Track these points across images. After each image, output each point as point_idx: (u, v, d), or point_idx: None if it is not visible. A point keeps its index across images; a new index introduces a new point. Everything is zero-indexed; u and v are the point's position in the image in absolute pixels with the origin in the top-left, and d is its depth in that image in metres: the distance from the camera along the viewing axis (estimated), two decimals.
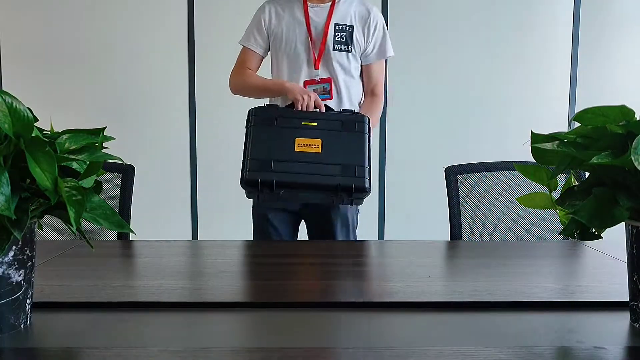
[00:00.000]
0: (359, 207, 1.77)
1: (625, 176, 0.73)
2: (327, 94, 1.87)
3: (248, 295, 0.91)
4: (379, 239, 3.01)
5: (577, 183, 0.82)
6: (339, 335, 0.75)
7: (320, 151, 1.56)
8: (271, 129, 1.62)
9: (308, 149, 1.58)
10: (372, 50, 1.94)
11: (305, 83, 1.87)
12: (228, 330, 0.77)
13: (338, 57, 1.89)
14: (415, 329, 0.78)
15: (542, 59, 3.06)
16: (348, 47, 1.91)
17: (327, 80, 1.90)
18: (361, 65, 1.96)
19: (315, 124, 1.63)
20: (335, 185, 1.53)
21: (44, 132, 0.76)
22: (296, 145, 1.58)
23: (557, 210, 0.84)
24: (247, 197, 1.60)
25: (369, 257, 1.34)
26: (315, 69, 1.91)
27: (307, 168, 1.55)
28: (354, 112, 1.73)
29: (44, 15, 2.98)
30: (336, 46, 1.90)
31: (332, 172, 1.54)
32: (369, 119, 1.67)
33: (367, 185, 1.56)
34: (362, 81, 1.97)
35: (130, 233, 0.81)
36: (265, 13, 1.94)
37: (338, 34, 1.90)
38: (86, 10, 2.97)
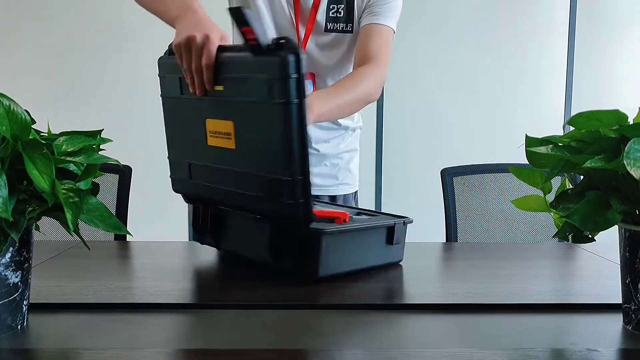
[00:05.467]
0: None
1: (618, 180, 0.74)
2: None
3: (247, 296, 0.91)
4: None
5: (571, 186, 0.83)
6: (335, 337, 0.75)
7: (234, 146, 0.95)
8: (180, 102, 1.03)
9: (220, 142, 0.97)
10: (365, 12, 1.31)
11: None
12: (226, 331, 0.77)
13: (333, 41, 1.33)
14: (410, 331, 0.79)
15: (538, 62, 3.08)
16: (347, 26, 1.30)
17: (309, 77, 1.35)
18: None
19: (222, 87, 0.95)
20: (257, 211, 0.98)
21: (42, 134, 0.76)
22: (208, 134, 0.99)
23: (552, 213, 0.85)
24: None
25: None
26: None
27: (224, 179, 1.00)
28: (277, 46, 0.86)
29: (40, 12, 2.98)
30: (329, 25, 1.30)
31: (250, 190, 0.95)
32: (297, 56, 0.84)
33: (300, 213, 0.90)
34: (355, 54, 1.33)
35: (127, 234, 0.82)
36: None
37: (333, 6, 1.30)
38: (82, 7, 2.97)
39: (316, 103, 1.13)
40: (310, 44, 1.33)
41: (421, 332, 0.78)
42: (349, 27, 1.30)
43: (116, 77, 2.99)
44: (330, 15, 1.29)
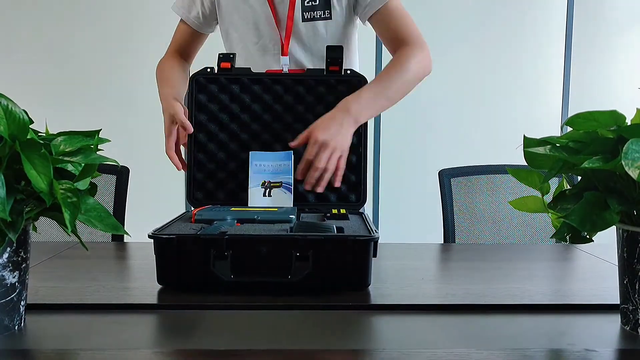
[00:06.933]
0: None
1: (616, 180, 0.74)
2: None
3: (247, 297, 0.91)
4: None
5: (568, 187, 0.83)
6: (332, 338, 0.75)
7: None
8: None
9: None
10: (359, 3, 1.24)
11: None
12: (225, 332, 0.77)
13: (312, 32, 1.25)
14: (408, 331, 0.79)
15: (536, 63, 3.09)
16: (325, 12, 1.23)
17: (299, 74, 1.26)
18: (372, 27, 1.29)
19: None
20: None
21: (39, 134, 0.76)
22: None
23: (549, 214, 0.85)
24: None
25: None
26: (282, 55, 1.26)
27: None
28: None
29: (39, 11, 2.97)
30: (305, 14, 1.24)
31: None
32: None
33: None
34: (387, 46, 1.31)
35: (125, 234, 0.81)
36: None
37: None
38: (81, 7, 2.96)
39: (362, 113, 1.21)
40: (293, 43, 1.27)
41: (420, 332, 0.78)
42: (327, 13, 1.23)
43: (114, 78, 2.99)
44: (306, 4, 1.23)
